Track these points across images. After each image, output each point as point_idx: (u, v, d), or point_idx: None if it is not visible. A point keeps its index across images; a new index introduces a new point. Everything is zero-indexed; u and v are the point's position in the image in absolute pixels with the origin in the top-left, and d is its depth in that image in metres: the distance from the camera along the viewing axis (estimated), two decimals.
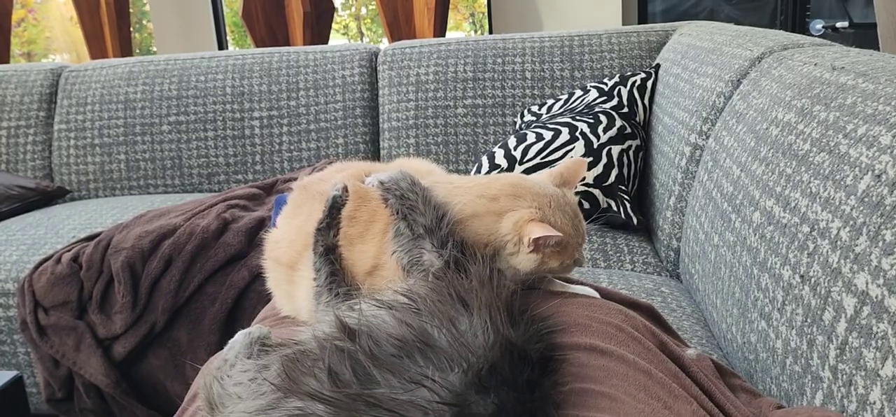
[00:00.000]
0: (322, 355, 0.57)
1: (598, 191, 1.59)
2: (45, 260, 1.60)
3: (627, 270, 1.42)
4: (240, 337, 0.70)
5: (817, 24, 3.26)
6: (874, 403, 0.60)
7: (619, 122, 1.67)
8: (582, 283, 0.85)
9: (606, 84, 1.80)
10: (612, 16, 3.28)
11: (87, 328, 1.53)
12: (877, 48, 1.90)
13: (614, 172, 1.60)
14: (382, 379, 0.55)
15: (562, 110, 1.84)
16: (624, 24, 3.22)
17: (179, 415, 0.80)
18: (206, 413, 0.64)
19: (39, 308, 1.55)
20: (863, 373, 0.62)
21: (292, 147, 2.22)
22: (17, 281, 1.62)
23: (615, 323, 0.72)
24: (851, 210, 0.70)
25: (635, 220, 1.57)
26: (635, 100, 1.74)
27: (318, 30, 3.79)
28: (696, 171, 1.33)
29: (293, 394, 0.55)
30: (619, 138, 1.64)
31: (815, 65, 0.99)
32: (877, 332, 0.61)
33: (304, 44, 3.70)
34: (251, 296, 1.50)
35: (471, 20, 5.47)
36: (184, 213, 1.68)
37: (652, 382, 0.64)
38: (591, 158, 1.60)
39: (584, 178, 1.59)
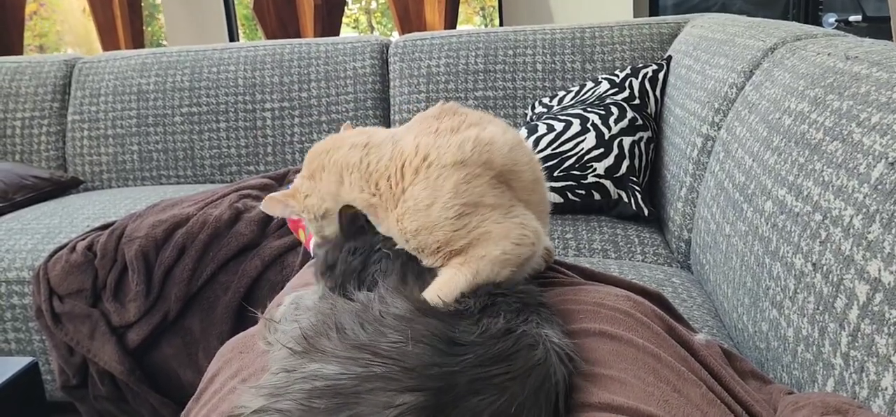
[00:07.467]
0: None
1: (609, 182, 1.59)
2: (60, 248, 1.62)
3: (638, 261, 1.41)
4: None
5: (830, 18, 3.23)
6: (886, 389, 0.60)
7: (630, 114, 1.66)
8: None
9: (618, 76, 1.80)
10: (624, 8, 3.27)
11: (102, 316, 1.54)
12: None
13: (625, 163, 1.60)
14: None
15: (573, 102, 1.83)
16: (635, 17, 3.21)
17: (197, 397, 0.81)
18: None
19: (54, 296, 1.57)
20: (875, 360, 0.62)
21: (304, 138, 2.23)
22: (33, 270, 1.64)
23: (624, 309, 0.72)
24: (864, 197, 0.70)
25: (646, 211, 1.57)
26: (647, 91, 1.74)
27: (329, 23, 3.80)
28: (707, 162, 1.33)
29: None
30: (630, 129, 1.64)
31: (829, 54, 0.98)
32: (889, 319, 0.61)
33: (315, 37, 3.71)
34: (263, 285, 1.51)
35: (481, 15, 5.46)
36: (197, 203, 1.69)
37: (661, 365, 0.65)
38: (602, 149, 1.60)
39: (595, 169, 1.59)
